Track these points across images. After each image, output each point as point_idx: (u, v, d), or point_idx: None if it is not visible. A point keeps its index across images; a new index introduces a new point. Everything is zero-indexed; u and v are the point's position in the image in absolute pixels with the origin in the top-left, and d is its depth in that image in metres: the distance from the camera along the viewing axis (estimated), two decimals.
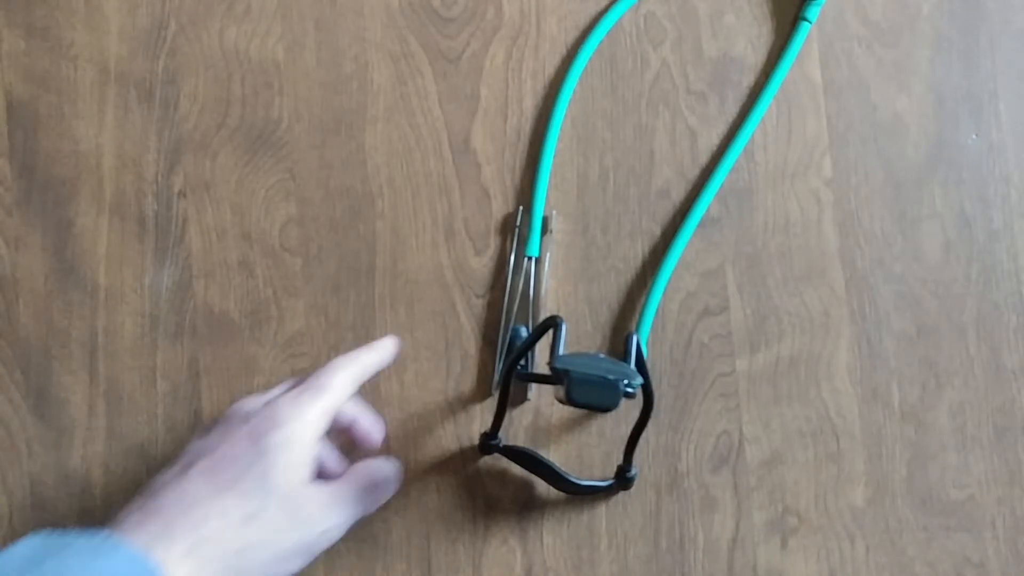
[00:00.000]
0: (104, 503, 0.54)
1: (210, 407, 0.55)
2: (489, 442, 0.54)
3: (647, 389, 0.49)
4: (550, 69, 0.59)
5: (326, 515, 0.45)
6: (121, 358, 0.55)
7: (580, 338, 0.57)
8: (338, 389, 0.47)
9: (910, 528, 0.57)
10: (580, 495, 0.55)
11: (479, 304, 0.57)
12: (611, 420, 0.56)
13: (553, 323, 0.47)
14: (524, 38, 0.58)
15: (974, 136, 0.60)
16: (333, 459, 0.49)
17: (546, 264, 0.57)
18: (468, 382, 0.56)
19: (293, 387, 0.48)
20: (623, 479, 0.55)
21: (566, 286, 0.57)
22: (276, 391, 0.49)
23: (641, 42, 0.59)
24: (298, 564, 0.45)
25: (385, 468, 0.49)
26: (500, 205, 0.57)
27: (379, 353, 0.51)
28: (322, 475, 0.48)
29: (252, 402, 0.47)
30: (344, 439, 0.51)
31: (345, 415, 0.49)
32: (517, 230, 0.57)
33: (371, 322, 0.56)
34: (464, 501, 0.55)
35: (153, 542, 0.40)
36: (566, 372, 0.44)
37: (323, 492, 0.46)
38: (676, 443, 0.56)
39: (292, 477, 0.44)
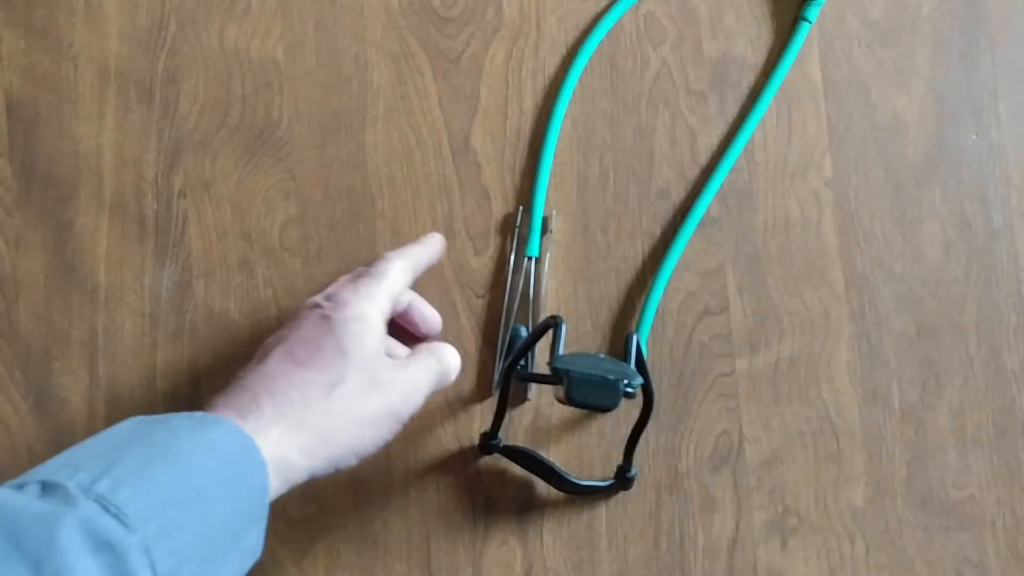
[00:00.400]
0: None
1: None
2: (489, 442, 0.54)
3: (647, 389, 0.49)
4: (550, 69, 0.59)
5: (403, 378, 0.47)
6: (121, 358, 0.55)
7: (580, 338, 0.57)
8: (394, 275, 0.50)
9: (910, 528, 0.57)
10: (580, 495, 0.55)
11: (479, 304, 0.57)
12: (611, 420, 0.56)
13: (553, 323, 0.47)
14: (524, 38, 0.58)
15: (974, 136, 0.60)
16: (399, 349, 0.52)
17: (546, 264, 0.57)
18: (468, 382, 0.56)
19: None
20: (623, 479, 0.55)
21: (566, 286, 0.57)
22: (335, 287, 0.51)
23: (641, 42, 0.59)
24: (388, 429, 0.47)
25: (448, 347, 0.52)
26: (500, 205, 0.57)
27: (428, 247, 0.54)
28: None
29: (314, 298, 0.49)
30: (405, 333, 0.54)
31: (402, 301, 0.52)
32: (517, 230, 0.57)
33: None
34: (464, 501, 0.55)
35: (242, 417, 0.43)
36: (566, 372, 0.44)
37: (396, 360, 0.48)
38: (676, 443, 0.56)
39: (365, 347, 0.46)
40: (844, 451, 0.57)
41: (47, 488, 0.36)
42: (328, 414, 0.44)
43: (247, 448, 0.41)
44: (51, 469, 0.38)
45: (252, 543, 0.41)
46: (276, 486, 0.43)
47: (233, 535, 0.40)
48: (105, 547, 0.35)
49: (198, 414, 0.42)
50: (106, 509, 0.36)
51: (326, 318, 0.47)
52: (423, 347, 0.51)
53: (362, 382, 0.45)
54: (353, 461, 0.46)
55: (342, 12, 0.58)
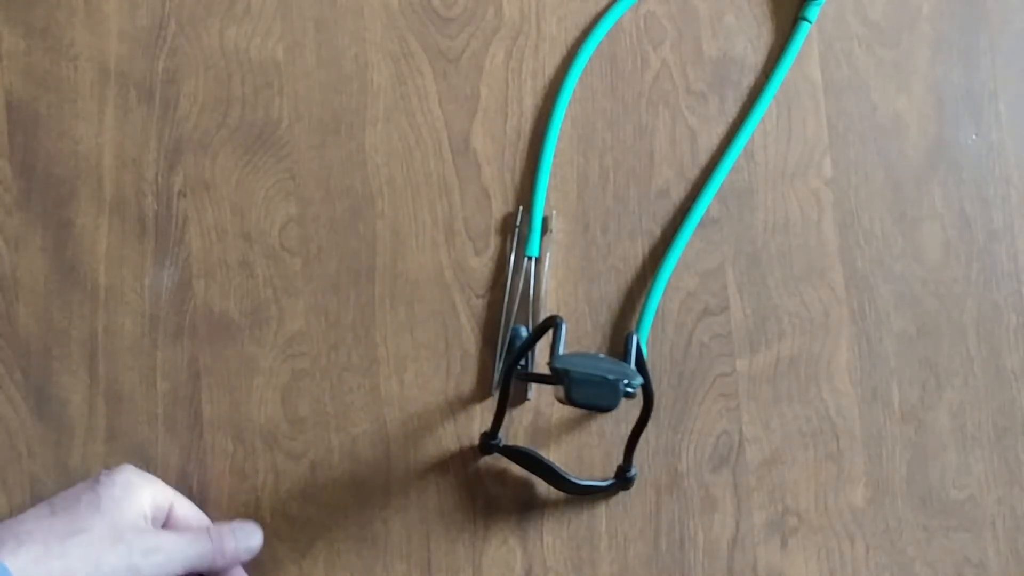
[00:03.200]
0: None
1: (210, 407, 0.55)
2: (489, 442, 0.54)
3: (647, 389, 0.49)
4: (550, 69, 0.59)
5: (154, 542, 0.48)
6: (121, 358, 0.55)
7: (580, 338, 0.57)
8: (165, 488, 0.51)
9: (910, 528, 0.57)
10: (580, 495, 0.55)
11: (479, 304, 0.57)
12: (611, 420, 0.56)
13: (553, 323, 0.47)
14: (524, 38, 0.58)
15: (974, 136, 0.60)
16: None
17: (546, 264, 0.57)
18: (468, 382, 0.56)
19: None
20: (623, 479, 0.55)
21: (566, 286, 0.57)
22: None
23: (641, 42, 0.59)
24: None
25: (242, 527, 0.52)
26: (500, 205, 0.57)
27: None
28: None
29: None
30: None
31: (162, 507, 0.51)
32: (517, 230, 0.57)
33: (371, 322, 0.56)
34: (464, 501, 0.55)
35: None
36: (566, 372, 0.44)
37: (157, 529, 0.49)
38: (676, 443, 0.56)
39: (119, 508, 0.48)
40: (844, 451, 0.57)
41: None
42: (64, 555, 0.46)
43: None
44: None
45: None
46: None
47: None
48: None
49: None
50: None
51: (95, 481, 0.49)
52: (212, 525, 0.52)
53: (106, 535, 0.47)
54: None
55: (342, 12, 0.58)
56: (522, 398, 0.56)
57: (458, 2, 0.58)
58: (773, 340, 0.57)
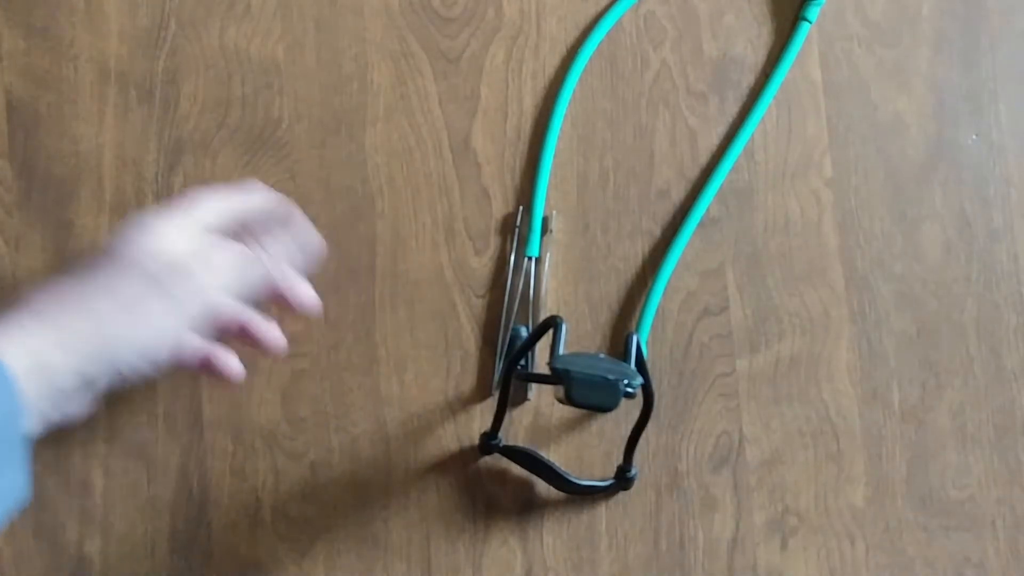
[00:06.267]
0: (104, 503, 0.54)
1: (210, 407, 0.55)
2: (489, 442, 0.54)
3: (647, 389, 0.49)
4: (550, 69, 0.59)
5: (183, 263, 0.43)
6: None
7: (580, 338, 0.57)
8: (193, 198, 0.46)
9: (910, 528, 0.57)
10: (580, 495, 0.55)
11: (479, 304, 0.57)
12: (611, 420, 0.56)
13: (553, 323, 0.47)
14: (524, 38, 0.58)
15: (974, 136, 0.60)
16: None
17: (546, 264, 0.57)
18: (468, 382, 0.56)
19: None
20: (623, 479, 0.55)
21: (566, 286, 0.57)
22: None
23: (641, 42, 0.59)
24: (166, 319, 0.42)
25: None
26: (500, 205, 0.57)
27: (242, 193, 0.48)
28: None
29: None
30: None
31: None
32: (517, 230, 0.57)
33: (371, 322, 0.56)
34: (464, 501, 0.55)
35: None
36: (566, 372, 0.44)
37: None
38: (676, 443, 0.56)
39: (136, 246, 0.43)
40: (844, 451, 0.57)
41: None
42: (82, 307, 0.40)
43: None
44: None
45: (8, 480, 0.36)
46: (38, 395, 0.37)
47: None
48: None
49: None
50: None
51: (108, 237, 0.43)
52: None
53: (127, 273, 0.42)
54: (134, 358, 0.41)
55: (342, 12, 0.58)
56: (522, 398, 0.56)
57: (458, 2, 0.58)
58: (773, 340, 0.57)
